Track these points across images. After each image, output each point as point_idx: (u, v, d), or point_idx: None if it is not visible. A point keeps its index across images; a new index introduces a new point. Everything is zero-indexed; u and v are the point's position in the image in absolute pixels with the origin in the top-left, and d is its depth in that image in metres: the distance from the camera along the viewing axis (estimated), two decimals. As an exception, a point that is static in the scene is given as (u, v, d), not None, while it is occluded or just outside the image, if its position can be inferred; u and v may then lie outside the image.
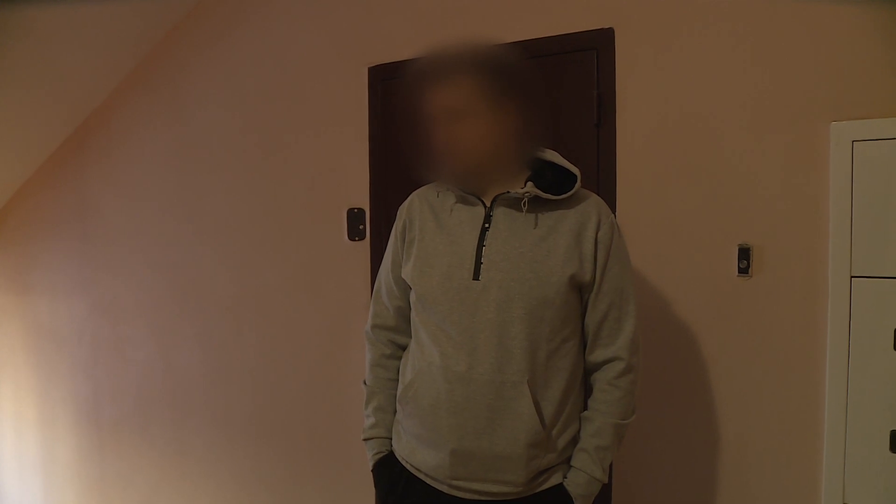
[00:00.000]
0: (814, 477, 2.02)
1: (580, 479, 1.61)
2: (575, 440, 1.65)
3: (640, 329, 1.68)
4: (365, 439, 1.81)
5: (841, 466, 1.96)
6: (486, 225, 1.62)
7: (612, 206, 2.24)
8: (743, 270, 2.08)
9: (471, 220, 1.65)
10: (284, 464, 3.07)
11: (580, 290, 1.63)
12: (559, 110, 2.34)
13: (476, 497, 1.61)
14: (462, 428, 1.57)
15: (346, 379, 2.84)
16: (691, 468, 2.19)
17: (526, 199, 1.59)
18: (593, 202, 1.65)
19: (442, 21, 2.55)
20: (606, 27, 2.24)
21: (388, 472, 1.74)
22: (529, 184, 1.61)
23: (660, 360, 2.21)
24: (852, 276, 1.93)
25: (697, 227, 2.15)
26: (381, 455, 1.77)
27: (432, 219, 1.70)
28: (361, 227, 2.76)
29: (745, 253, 2.07)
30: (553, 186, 1.62)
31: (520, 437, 1.55)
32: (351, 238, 2.79)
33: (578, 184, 1.63)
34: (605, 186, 2.25)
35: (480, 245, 1.60)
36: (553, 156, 1.72)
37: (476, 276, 1.58)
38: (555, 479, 1.63)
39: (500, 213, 1.63)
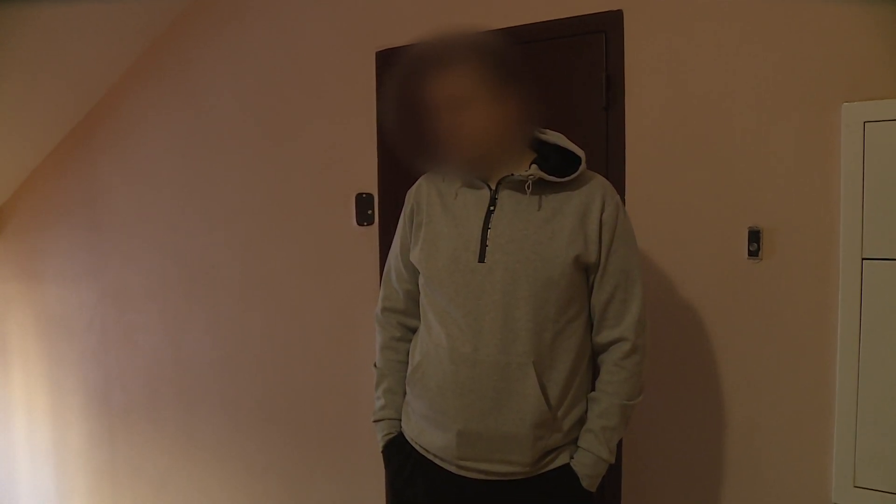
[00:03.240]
0: (824, 460, 2.01)
1: (587, 459, 1.61)
2: (582, 420, 1.66)
3: (648, 310, 1.68)
4: (375, 421, 1.83)
5: (852, 450, 1.95)
6: (492, 207, 1.63)
7: (622, 188, 2.23)
8: (753, 253, 2.07)
9: (476, 203, 1.66)
10: (293, 449, 3.08)
11: (586, 271, 1.63)
12: (568, 93, 2.33)
13: (483, 476, 1.62)
14: (468, 409, 1.59)
15: (355, 364, 2.85)
16: (701, 451, 2.19)
17: (530, 181, 1.60)
18: (598, 183, 1.64)
19: (450, 4, 2.54)
20: (615, 9, 2.23)
21: (398, 452, 1.76)
22: (534, 166, 1.61)
23: (670, 343, 2.20)
24: (863, 259, 1.92)
25: (707, 209, 2.14)
26: (391, 436, 1.79)
27: (439, 202, 1.72)
28: (370, 212, 2.76)
29: (755, 236, 2.06)
30: (558, 169, 1.63)
31: (526, 418, 1.56)
32: (360, 223, 2.79)
33: (583, 165, 1.63)
34: (614, 169, 2.24)
35: (486, 227, 1.62)
36: (558, 138, 1.72)
37: (482, 259, 1.60)
38: (561, 459, 1.63)
39: (504, 196, 1.64)
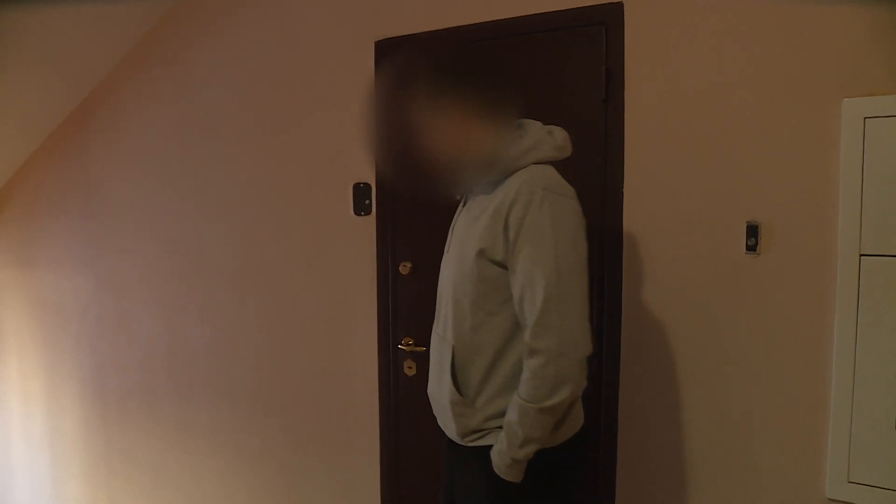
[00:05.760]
0: (819, 455, 2.02)
1: (495, 448, 1.67)
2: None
3: (562, 312, 1.55)
4: None
5: (846, 445, 1.96)
6: (463, 206, 1.87)
7: (620, 182, 2.23)
8: (751, 248, 2.07)
9: (461, 205, 1.90)
10: (289, 438, 3.09)
11: (505, 268, 1.65)
12: (567, 85, 2.32)
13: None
14: (429, 375, 1.88)
15: (352, 353, 2.85)
16: (696, 445, 2.19)
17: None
18: (518, 179, 1.63)
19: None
20: (616, 1, 2.21)
21: None
22: None
23: (666, 337, 2.21)
24: (861, 255, 1.91)
25: (705, 204, 2.13)
26: None
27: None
28: (367, 201, 2.75)
29: (753, 230, 2.06)
30: None
31: (446, 394, 1.74)
32: (357, 213, 2.78)
33: (502, 165, 1.66)
34: (612, 163, 2.24)
35: (454, 225, 1.87)
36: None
37: (447, 250, 1.86)
38: (490, 439, 1.71)
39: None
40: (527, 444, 1.60)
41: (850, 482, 1.96)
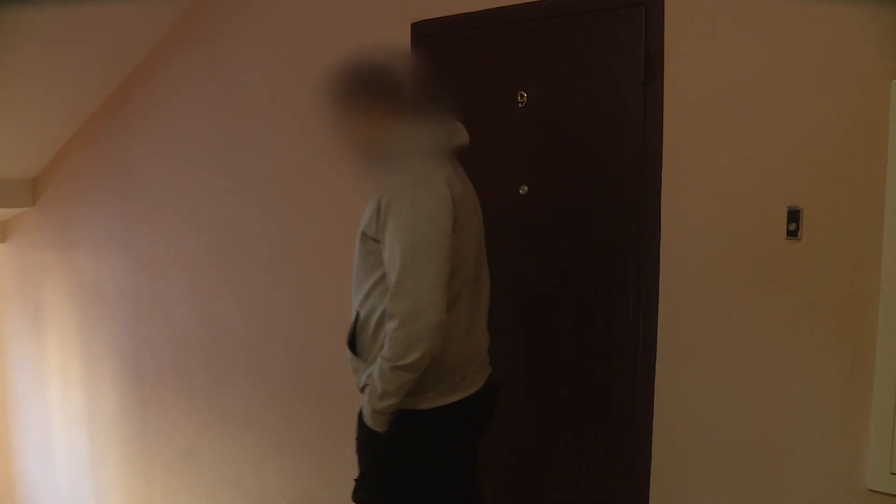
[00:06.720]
0: (860, 446, 1.97)
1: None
2: None
3: (416, 280, 1.70)
4: None
5: (889, 436, 1.91)
6: None
7: (658, 165, 2.20)
8: (792, 233, 2.02)
9: None
10: (321, 421, 3.10)
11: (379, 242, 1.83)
12: (606, 67, 2.29)
13: None
14: None
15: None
16: (732, 432, 2.16)
17: None
18: (397, 169, 1.82)
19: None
20: (656, -19, 2.18)
21: None
22: None
23: (704, 323, 2.18)
24: (907, 241, 1.86)
25: (745, 188, 2.09)
26: None
27: None
28: (401, 186, 2.74)
29: (794, 215, 2.01)
30: None
31: (348, 354, 1.95)
32: (390, 197, 2.77)
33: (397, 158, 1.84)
34: (650, 146, 2.21)
35: None
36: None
37: None
38: None
39: None
40: (385, 398, 1.77)
41: (892, 473, 1.92)
